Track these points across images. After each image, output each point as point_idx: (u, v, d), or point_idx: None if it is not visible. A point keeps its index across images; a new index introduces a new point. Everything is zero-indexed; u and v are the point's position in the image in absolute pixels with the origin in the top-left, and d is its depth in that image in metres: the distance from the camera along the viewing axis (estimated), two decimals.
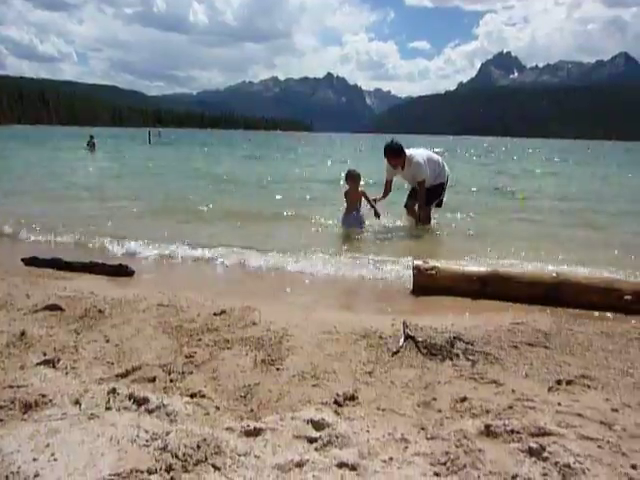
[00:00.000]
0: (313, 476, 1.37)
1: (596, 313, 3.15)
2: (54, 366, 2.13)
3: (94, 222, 6.16)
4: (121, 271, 3.96)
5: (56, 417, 1.65)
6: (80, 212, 7.24)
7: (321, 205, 8.23)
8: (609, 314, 3.15)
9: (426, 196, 6.00)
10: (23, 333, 2.44)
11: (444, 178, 6.19)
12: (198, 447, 1.46)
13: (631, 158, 38.19)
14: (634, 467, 1.46)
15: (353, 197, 5.93)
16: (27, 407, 1.73)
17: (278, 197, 9.39)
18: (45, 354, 2.23)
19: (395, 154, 5.90)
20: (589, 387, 2.05)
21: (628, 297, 3.21)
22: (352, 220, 5.95)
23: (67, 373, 2.07)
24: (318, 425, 1.64)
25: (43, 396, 1.80)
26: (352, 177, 5.88)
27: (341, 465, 1.42)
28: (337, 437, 1.57)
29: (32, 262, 4.09)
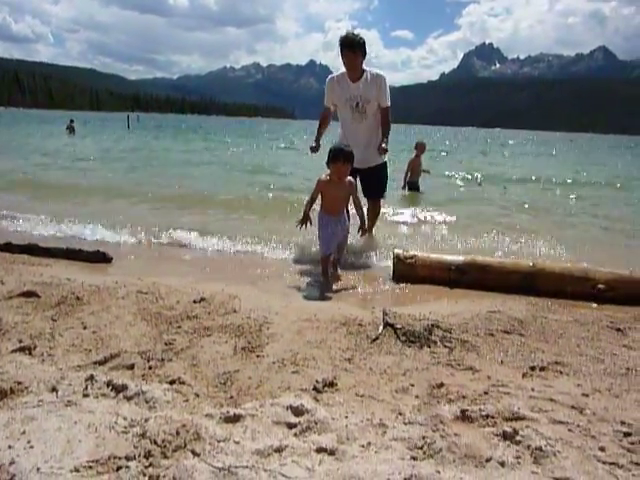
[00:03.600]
0: (292, 461, 1.38)
1: (570, 302, 3.23)
2: (30, 353, 2.10)
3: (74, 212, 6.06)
4: (99, 257, 3.91)
5: (32, 404, 1.63)
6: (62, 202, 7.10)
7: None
8: (583, 303, 3.23)
9: (382, 182, 4.63)
10: None
11: None
12: (177, 433, 1.47)
13: None
14: (602, 449, 1.51)
15: (337, 192, 3.65)
16: (2, 395, 1.71)
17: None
18: (21, 341, 2.19)
19: (358, 47, 4.16)
20: (561, 373, 2.11)
21: (601, 286, 3.30)
22: (336, 232, 3.69)
23: (43, 360, 2.05)
24: (297, 411, 1.65)
25: (19, 383, 1.77)
26: (341, 157, 3.50)
27: (320, 450, 1.44)
28: (316, 423, 1.58)
29: (7, 248, 4.00)
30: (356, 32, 4.26)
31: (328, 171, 3.64)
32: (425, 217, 6.62)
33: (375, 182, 4.54)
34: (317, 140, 4.44)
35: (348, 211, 3.94)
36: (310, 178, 5.88)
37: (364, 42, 4.20)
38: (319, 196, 3.69)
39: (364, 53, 4.21)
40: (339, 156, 3.51)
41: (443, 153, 22.12)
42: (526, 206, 8.03)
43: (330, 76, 4.47)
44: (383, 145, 4.22)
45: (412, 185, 8.84)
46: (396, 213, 6.58)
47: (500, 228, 5.80)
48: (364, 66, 4.30)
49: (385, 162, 4.57)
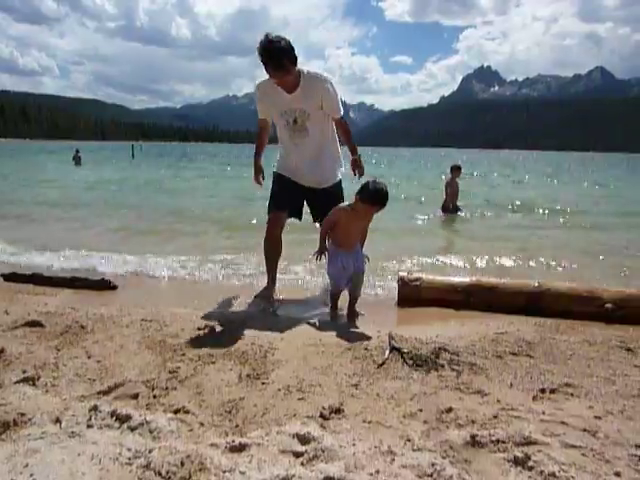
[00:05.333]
0: None
1: (578, 322, 3.19)
2: (34, 384, 2.08)
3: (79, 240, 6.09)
4: (104, 285, 3.91)
5: (35, 436, 1.61)
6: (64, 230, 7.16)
7: None
8: (591, 322, 3.19)
9: (338, 203, 3.34)
10: (2, 350, 2.38)
11: None
12: (182, 464, 1.44)
13: None
14: (617, 474, 1.47)
15: (356, 225, 3.25)
16: (5, 427, 1.69)
17: None
18: (25, 372, 2.18)
19: (284, 57, 3.08)
20: (572, 395, 2.07)
21: (609, 305, 3.26)
22: (347, 266, 3.25)
23: (47, 391, 2.03)
24: (304, 439, 1.62)
25: (22, 415, 1.75)
26: (380, 202, 3.03)
27: (327, 479, 1.41)
28: (323, 451, 1.55)
29: (12, 277, 4.01)
30: (275, 35, 3.08)
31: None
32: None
33: (333, 203, 3.33)
34: (257, 164, 3.62)
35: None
36: None
37: (288, 47, 3.08)
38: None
39: (293, 60, 3.14)
40: (382, 201, 3.03)
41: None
42: None
43: (258, 82, 3.43)
44: (356, 168, 3.53)
45: (451, 209, 8.85)
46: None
47: None
48: (300, 68, 3.27)
49: (340, 180, 3.70)
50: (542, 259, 5.35)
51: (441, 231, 8.24)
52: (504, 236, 7.19)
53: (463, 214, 9.01)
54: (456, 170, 8.87)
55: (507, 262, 5.27)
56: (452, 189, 8.86)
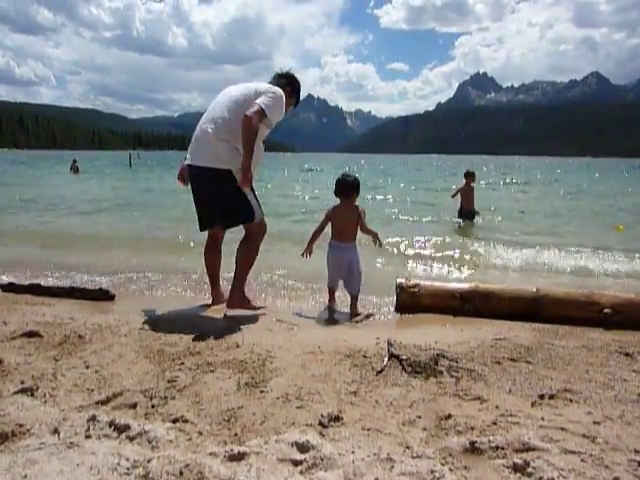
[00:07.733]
0: None
1: (577, 327, 3.19)
2: (32, 394, 2.07)
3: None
4: (102, 295, 3.90)
5: (34, 447, 1.60)
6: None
7: None
8: (589, 327, 3.19)
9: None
10: (0, 361, 2.38)
11: None
12: (181, 474, 1.44)
13: None
14: None
15: (346, 221, 3.60)
16: (4, 438, 1.69)
17: None
18: (23, 382, 2.17)
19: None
20: (571, 401, 2.07)
21: (607, 310, 3.27)
22: (349, 260, 3.61)
23: (45, 401, 2.02)
24: (303, 447, 1.62)
25: (20, 426, 1.75)
26: (347, 188, 3.64)
27: None
28: (322, 459, 1.55)
29: (10, 288, 4.00)
30: None
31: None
32: None
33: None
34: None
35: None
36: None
37: None
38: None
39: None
40: (342, 184, 3.69)
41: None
42: None
43: (282, 93, 3.47)
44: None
45: (467, 214, 8.88)
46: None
47: None
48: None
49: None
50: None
51: (450, 237, 8.19)
52: (515, 242, 7.16)
53: (481, 220, 9.07)
54: (469, 176, 8.82)
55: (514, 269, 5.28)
56: (467, 194, 8.84)
